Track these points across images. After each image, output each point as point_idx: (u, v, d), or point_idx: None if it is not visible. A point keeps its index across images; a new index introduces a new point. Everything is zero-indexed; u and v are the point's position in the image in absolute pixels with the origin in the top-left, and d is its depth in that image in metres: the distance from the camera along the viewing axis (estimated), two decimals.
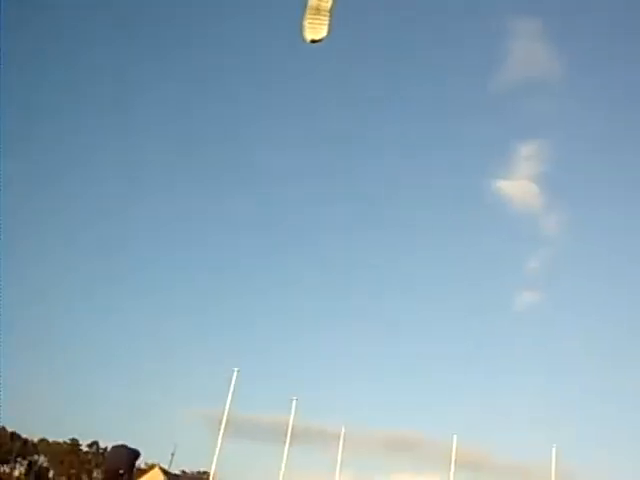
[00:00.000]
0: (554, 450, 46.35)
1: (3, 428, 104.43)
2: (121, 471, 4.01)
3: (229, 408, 38.07)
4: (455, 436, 47.63)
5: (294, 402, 42.40)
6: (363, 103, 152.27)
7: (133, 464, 4.09)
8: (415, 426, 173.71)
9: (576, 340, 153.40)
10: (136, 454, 4.12)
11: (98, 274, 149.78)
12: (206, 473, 39.14)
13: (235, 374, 38.69)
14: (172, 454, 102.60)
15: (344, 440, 44.76)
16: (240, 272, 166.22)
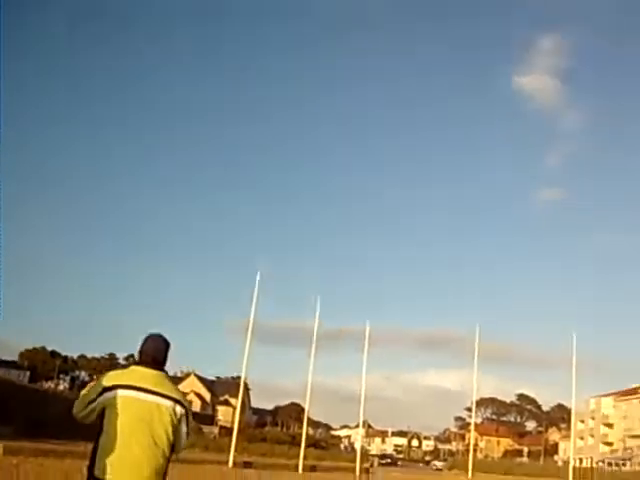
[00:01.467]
0: (574, 337, 47.56)
1: (43, 347, 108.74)
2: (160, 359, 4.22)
3: (255, 314, 38.86)
4: (478, 326, 48.68)
5: (318, 301, 42.62)
6: None
7: (166, 354, 4.27)
8: (441, 324, 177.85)
9: (596, 235, 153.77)
10: (168, 343, 4.31)
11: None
12: (239, 378, 40.97)
13: (258, 276, 39.04)
14: None
15: (370, 340, 45.62)
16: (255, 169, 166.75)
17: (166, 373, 4.24)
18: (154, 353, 4.20)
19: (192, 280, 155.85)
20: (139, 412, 3.91)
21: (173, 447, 4.05)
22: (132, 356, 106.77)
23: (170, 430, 4.00)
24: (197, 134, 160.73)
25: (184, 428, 4.11)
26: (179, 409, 4.07)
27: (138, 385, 3.97)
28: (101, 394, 3.92)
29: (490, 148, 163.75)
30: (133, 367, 4.18)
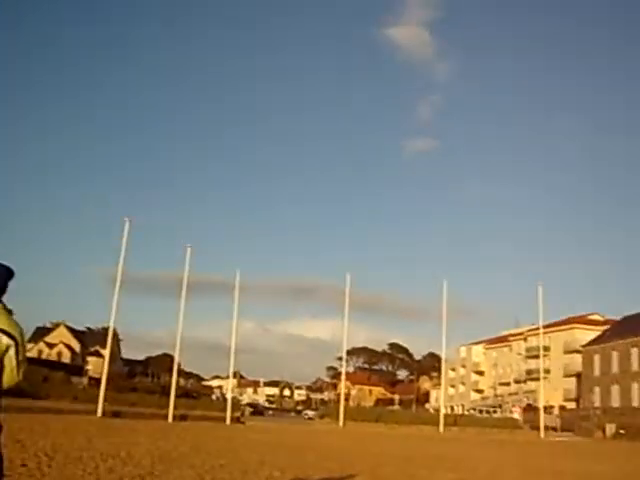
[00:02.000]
0: (445, 285, 49.84)
1: None
2: None
3: (124, 264, 38.46)
4: (348, 275, 49.93)
5: (189, 250, 42.35)
6: None
7: (7, 282, 4.02)
8: (312, 273, 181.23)
9: (470, 183, 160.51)
10: (11, 272, 4.03)
11: None
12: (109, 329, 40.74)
13: (127, 225, 38.49)
14: None
15: (241, 289, 45.86)
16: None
17: (2, 304, 4.02)
18: None
19: (61, 229, 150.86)
20: None
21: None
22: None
23: None
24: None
25: (13, 361, 3.89)
26: (5, 339, 3.86)
27: None
28: None
29: (360, 100, 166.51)
30: None
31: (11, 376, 3.90)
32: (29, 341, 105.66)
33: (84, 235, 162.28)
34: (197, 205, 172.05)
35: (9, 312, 4.03)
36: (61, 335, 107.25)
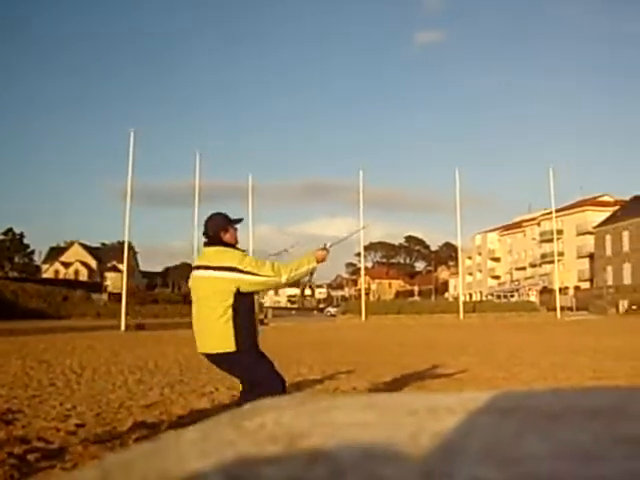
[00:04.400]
0: (457, 173, 49.63)
1: None
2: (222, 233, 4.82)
3: (133, 176, 38.16)
4: (361, 172, 49.62)
5: (198, 156, 41.83)
6: None
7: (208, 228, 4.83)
8: (325, 172, 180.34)
9: (479, 76, 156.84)
10: (209, 219, 4.87)
11: None
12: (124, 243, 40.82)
13: (132, 136, 37.98)
14: None
15: (254, 192, 45.64)
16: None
17: (214, 245, 4.84)
18: (215, 229, 4.90)
19: (64, 144, 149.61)
20: None
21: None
22: (11, 229, 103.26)
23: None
24: None
25: (246, 279, 4.71)
26: (228, 275, 4.70)
27: None
28: None
29: None
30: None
31: (254, 284, 4.67)
32: (44, 262, 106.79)
33: (89, 151, 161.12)
34: (204, 112, 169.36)
35: (232, 248, 4.85)
36: (76, 253, 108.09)
